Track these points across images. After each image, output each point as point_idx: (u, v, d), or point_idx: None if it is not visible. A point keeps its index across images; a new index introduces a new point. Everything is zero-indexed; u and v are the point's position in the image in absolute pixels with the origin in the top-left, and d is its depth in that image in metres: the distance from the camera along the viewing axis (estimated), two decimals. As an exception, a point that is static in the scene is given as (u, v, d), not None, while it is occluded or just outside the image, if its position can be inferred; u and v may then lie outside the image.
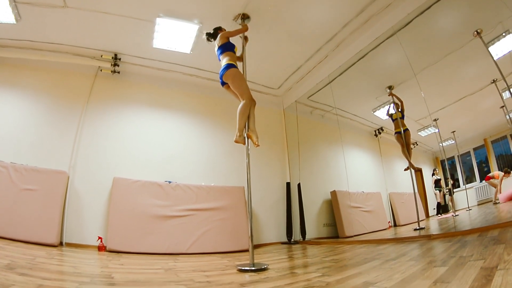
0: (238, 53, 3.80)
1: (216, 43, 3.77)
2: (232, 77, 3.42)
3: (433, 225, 4.67)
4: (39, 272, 2.05)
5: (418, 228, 4.36)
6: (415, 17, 4.13)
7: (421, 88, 4.42)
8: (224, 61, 3.53)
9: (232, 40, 3.75)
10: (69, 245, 4.14)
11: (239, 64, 3.66)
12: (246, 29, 3.96)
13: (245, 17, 4.34)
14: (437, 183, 4.95)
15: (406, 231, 4.67)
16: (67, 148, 4.59)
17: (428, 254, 2.52)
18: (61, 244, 4.08)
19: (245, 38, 3.98)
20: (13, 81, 4.66)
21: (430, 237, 3.45)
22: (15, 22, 4.21)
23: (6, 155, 4.15)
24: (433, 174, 5.02)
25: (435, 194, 4.96)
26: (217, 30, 3.93)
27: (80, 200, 4.43)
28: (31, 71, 4.79)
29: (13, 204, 3.85)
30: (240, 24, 4.21)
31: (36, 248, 3.43)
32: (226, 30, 3.85)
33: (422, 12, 4.04)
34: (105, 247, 4.13)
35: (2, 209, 3.77)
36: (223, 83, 3.57)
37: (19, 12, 4.08)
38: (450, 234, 3.29)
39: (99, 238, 4.17)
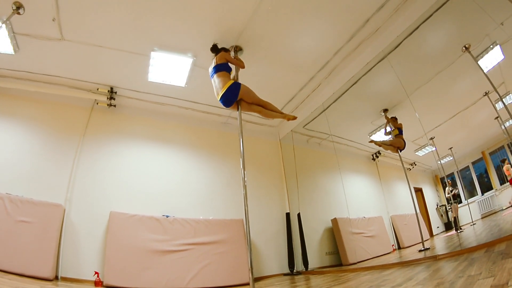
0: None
1: (213, 60, 3.94)
2: (247, 91, 3.70)
3: (438, 244, 4.56)
4: None
5: (423, 249, 4.25)
6: (404, 39, 4.23)
7: (415, 108, 4.47)
8: (224, 80, 3.70)
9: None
10: (65, 279, 4.00)
11: None
12: (243, 67, 4.14)
13: (238, 49, 4.44)
14: (453, 196, 4.82)
15: (411, 253, 4.55)
16: (63, 180, 4.54)
17: (435, 276, 2.43)
18: (56, 278, 3.94)
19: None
20: (10, 111, 4.68)
21: (436, 258, 3.36)
22: (13, 53, 4.28)
23: (1, 185, 4.08)
24: (444, 188, 4.93)
25: (451, 209, 4.82)
26: (222, 49, 4.08)
27: (77, 234, 4.33)
28: (28, 102, 4.82)
29: (7, 235, 3.73)
30: (238, 59, 4.27)
31: (30, 282, 3.32)
32: (229, 53, 4.06)
33: (410, 33, 4.14)
34: (102, 282, 3.99)
35: None
36: (231, 103, 3.67)
37: (17, 43, 4.16)
38: (456, 253, 3.21)
39: (96, 273, 4.04)
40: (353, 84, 5.02)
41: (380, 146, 5.26)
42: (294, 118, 3.94)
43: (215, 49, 4.09)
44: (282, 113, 4.00)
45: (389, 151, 5.09)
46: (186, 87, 5.18)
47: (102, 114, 5.25)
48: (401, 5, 3.96)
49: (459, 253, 3.17)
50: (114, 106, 5.24)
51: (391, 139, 4.99)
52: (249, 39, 4.33)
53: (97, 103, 5.17)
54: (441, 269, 2.72)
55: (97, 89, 5.05)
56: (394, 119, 5.02)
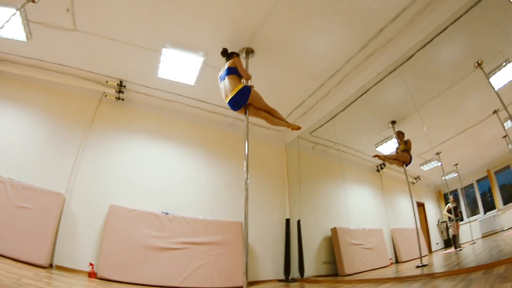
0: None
1: (226, 64, 3.96)
2: (257, 97, 3.77)
3: (437, 261, 4.50)
4: None
5: (420, 265, 4.20)
6: (417, 51, 4.19)
7: (423, 122, 4.43)
8: (234, 83, 3.71)
9: None
10: (59, 268, 4.01)
11: None
12: (250, 78, 4.04)
13: (249, 51, 4.44)
14: (452, 212, 4.76)
15: (408, 269, 4.48)
16: (66, 170, 4.57)
17: (432, 296, 2.39)
18: (51, 266, 3.95)
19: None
20: (19, 97, 4.74)
21: (433, 276, 3.30)
22: (25, 40, 4.33)
23: (4, 169, 4.13)
24: (446, 204, 4.87)
25: (451, 226, 4.76)
26: (233, 53, 4.12)
27: (75, 224, 4.34)
28: (37, 90, 4.88)
29: (6, 220, 3.77)
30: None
31: (24, 268, 3.33)
32: (239, 59, 4.01)
33: (423, 46, 4.11)
34: (95, 274, 3.99)
35: None
36: (239, 106, 3.70)
37: (30, 30, 4.20)
38: (454, 272, 3.15)
39: (91, 264, 4.05)
40: (363, 94, 4.98)
41: (384, 160, 5.23)
42: (298, 128, 3.96)
43: (225, 54, 4.13)
44: (287, 122, 4.01)
45: (394, 165, 5.06)
46: (195, 86, 5.19)
47: (110, 107, 5.28)
48: (416, 17, 3.92)
49: (456, 272, 3.12)
50: (122, 99, 5.26)
51: (397, 153, 4.95)
52: (261, 42, 4.33)
53: (106, 96, 5.20)
54: (437, 287, 2.67)
55: (107, 81, 5.09)
56: (401, 134, 4.98)
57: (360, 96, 5.04)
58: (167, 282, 4.17)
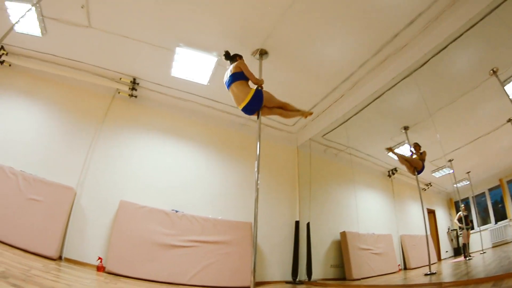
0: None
1: (229, 69, 3.79)
2: (270, 97, 3.70)
3: (445, 269, 4.43)
4: (31, 285, 1.98)
5: (429, 273, 4.14)
6: (432, 57, 4.13)
7: (437, 129, 4.39)
8: (244, 90, 3.60)
9: None
10: (68, 260, 4.08)
11: None
12: (262, 83, 3.82)
13: (263, 52, 4.41)
14: (463, 220, 4.67)
15: (416, 276, 4.43)
16: (77, 164, 4.63)
17: (438, 307, 2.36)
18: (60, 258, 4.02)
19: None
20: (33, 91, 4.82)
21: (441, 285, 3.25)
22: (40, 36, 4.40)
23: (17, 162, 4.20)
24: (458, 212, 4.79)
25: (461, 234, 4.68)
26: (236, 56, 3.92)
27: (85, 217, 4.39)
28: (51, 84, 4.96)
29: (17, 211, 3.86)
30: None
31: (33, 259, 3.38)
32: (243, 61, 3.85)
33: (438, 52, 4.05)
34: (104, 268, 4.03)
35: (6, 214, 3.79)
36: (253, 112, 3.66)
37: (45, 26, 4.27)
38: (463, 283, 3.09)
39: (99, 258, 4.09)
40: (376, 99, 4.94)
41: (396, 155, 5.15)
42: (311, 113, 4.04)
43: (228, 57, 3.94)
44: (299, 110, 3.99)
45: (404, 167, 5.00)
46: (208, 85, 5.19)
47: (123, 104, 5.33)
48: (431, 23, 3.87)
49: (465, 283, 3.05)
50: (135, 96, 5.30)
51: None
52: (275, 44, 4.31)
53: (119, 92, 5.25)
54: (445, 298, 2.64)
55: (120, 78, 5.13)
56: (417, 146, 4.95)
57: (373, 101, 4.99)
58: (175, 279, 4.19)
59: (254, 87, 3.74)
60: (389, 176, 5.64)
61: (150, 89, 5.39)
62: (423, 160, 4.80)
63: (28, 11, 3.86)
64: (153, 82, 5.27)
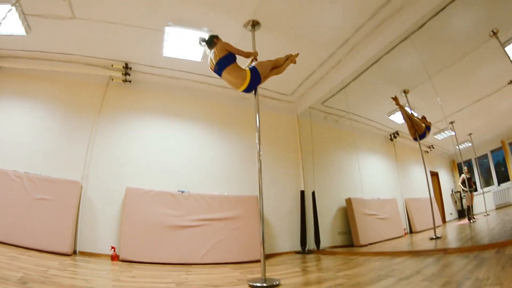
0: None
1: (211, 54, 3.38)
2: (265, 69, 3.42)
3: (450, 233, 4.52)
4: (51, 286, 2.05)
5: (434, 237, 4.23)
6: (429, 19, 3.97)
7: (437, 92, 4.31)
8: (239, 74, 3.23)
9: None
10: (83, 253, 4.19)
11: None
12: (256, 55, 3.64)
13: (255, 23, 4.26)
14: (466, 183, 4.70)
15: (422, 240, 4.54)
16: (80, 157, 4.64)
17: (444, 273, 2.42)
18: (74, 252, 4.13)
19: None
20: (26, 91, 4.76)
21: (446, 251, 3.33)
22: (25, 34, 4.30)
23: (20, 164, 4.23)
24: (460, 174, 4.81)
25: (465, 196, 4.74)
26: (213, 38, 3.43)
27: (93, 209, 4.47)
28: (44, 81, 4.88)
29: (27, 213, 3.93)
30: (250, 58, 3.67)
31: (49, 258, 3.46)
32: (224, 42, 3.37)
33: (436, 14, 3.88)
34: (118, 256, 4.13)
35: (16, 217, 3.86)
36: (254, 89, 3.41)
37: (29, 24, 4.16)
38: (467, 249, 3.18)
39: (112, 247, 4.17)
40: (374, 63, 4.82)
41: (400, 108, 5.05)
42: (297, 54, 3.85)
43: (206, 42, 3.48)
44: (287, 58, 3.79)
45: (406, 127, 4.98)
46: (202, 62, 5.05)
47: (118, 90, 5.24)
48: None
49: (469, 249, 3.14)
50: (130, 81, 5.22)
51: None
52: (266, 13, 4.13)
53: (112, 79, 5.16)
54: (450, 265, 2.70)
55: (112, 65, 5.03)
56: (423, 118, 4.91)
57: (371, 65, 4.88)
58: (187, 260, 4.29)
59: (246, 63, 3.58)
60: (391, 139, 5.62)
61: (143, 71, 5.29)
62: (427, 125, 4.77)
63: (8, 11, 3.76)
64: (146, 64, 5.16)
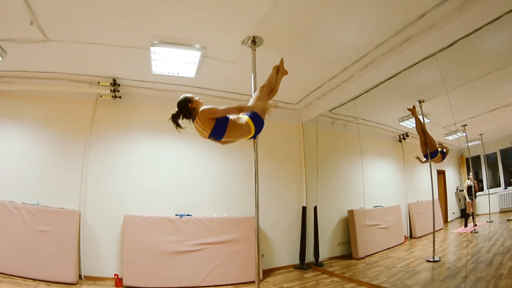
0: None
1: (197, 129, 2.76)
2: (264, 106, 3.01)
3: (449, 251, 4.47)
4: None
5: (432, 260, 4.24)
6: (460, 38, 3.43)
7: (453, 102, 3.91)
8: (239, 128, 2.79)
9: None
10: (88, 278, 4.37)
11: None
12: (266, 108, 2.99)
13: (255, 40, 3.69)
14: (469, 191, 4.57)
15: (419, 259, 4.53)
16: (75, 183, 4.56)
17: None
18: (80, 277, 4.30)
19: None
20: (13, 113, 4.57)
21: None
22: (1, 59, 3.96)
23: (15, 193, 4.24)
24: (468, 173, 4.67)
25: (467, 203, 4.65)
26: (188, 103, 2.74)
27: (94, 236, 4.53)
28: (30, 101, 4.64)
29: (29, 245, 4.04)
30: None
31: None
32: (207, 110, 2.60)
33: (469, 34, 3.34)
34: (121, 282, 4.31)
35: (20, 250, 4.00)
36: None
37: (2, 48, 3.82)
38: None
39: (115, 275, 4.34)
40: (390, 78, 4.32)
41: (416, 118, 4.71)
42: (282, 62, 3.44)
43: (181, 112, 2.79)
44: (277, 71, 3.39)
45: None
46: (196, 78, 4.59)
47: (108, 107, 4.87)
48: (469, 3, 3.14)
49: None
50: (119, 97, 4.79)
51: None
52: (270, 30, 3.58)
53: (101, 96, 4.76)
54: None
55: (98, 82, 4.58)
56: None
57: (387, 80, 4.38)
58: (188, 283, 4.47)
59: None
60: (400, 141, 5.30)
61: (134, 85, 4.85)
62: (442, 149, 4.49)
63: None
64: (136, 79, 4.71)
